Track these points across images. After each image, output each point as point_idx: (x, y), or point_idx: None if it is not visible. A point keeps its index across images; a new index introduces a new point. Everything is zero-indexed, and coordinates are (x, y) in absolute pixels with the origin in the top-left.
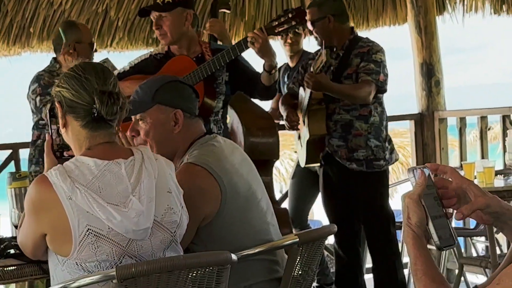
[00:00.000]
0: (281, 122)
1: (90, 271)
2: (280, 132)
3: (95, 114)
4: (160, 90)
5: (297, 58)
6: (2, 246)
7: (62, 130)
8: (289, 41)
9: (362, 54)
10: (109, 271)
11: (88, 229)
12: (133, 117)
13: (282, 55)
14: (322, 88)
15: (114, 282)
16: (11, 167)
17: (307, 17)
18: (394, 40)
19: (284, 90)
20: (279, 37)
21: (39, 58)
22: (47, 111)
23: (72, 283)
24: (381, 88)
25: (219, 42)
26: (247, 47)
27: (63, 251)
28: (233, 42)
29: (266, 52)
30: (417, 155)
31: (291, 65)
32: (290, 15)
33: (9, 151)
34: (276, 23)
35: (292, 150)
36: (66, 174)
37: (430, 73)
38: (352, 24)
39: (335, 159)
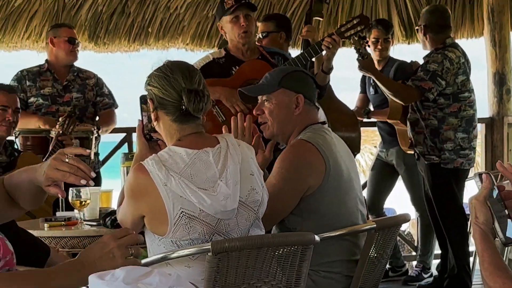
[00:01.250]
0: (364, 120)
1: (182, 247)
2: (362, 128)
3: (183, 110)
4: (286, 77)
5: (384, 63)
6: (112, 217)
7: (155, 123)
8: (379, 47)
9: (422, 64)
10: (204, 244)
11: (182, 211)
12: (259, 98)
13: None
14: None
15: (209, 255)
16: (125, 148)
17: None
18: (471, 52)
19: (370, 91)
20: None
21: (155, 54)
22: (139, 99)
23: (172, 254)
24: (426, 95)
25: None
26: (321, 50)
27: (160, 231)
28: None
29: (332, 56)
30: (486, 155)
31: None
32: (355, 21)
33: (123, 134)
34: (345, 28)
35: (372, 144)
36: (161, 163)
37: (502, 82)
38: (447, 38)
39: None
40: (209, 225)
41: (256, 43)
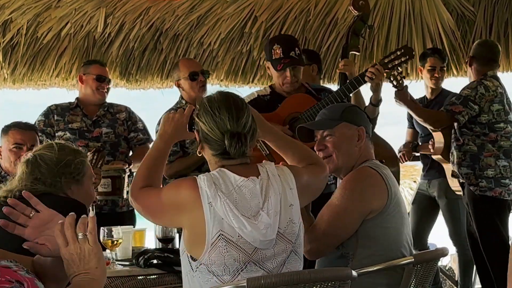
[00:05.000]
0: (417, 154)
1: (217, 275)
2: (401, 163)
3: (226, 150)
4: (346, 111)
5: (437, 93)
6: (146, 257)
7: (201, 151)
8: (436, 75)
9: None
10: (240, 281)
11: (221, 234)
12: (318, 134)
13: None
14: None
15: None
16: None
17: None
18: (506, 86)
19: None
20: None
21: None
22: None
23: None
24: (456, 117)
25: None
26: (365, 82)
27: (196, 251)
28: None
29: (378, 87)
30: None
31: (428, 97)
32: (399, 52)
33: None
34: (388, 59)
35: (411, 179)
36: (212, 180)
37: None
38: (490, 71)
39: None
40: (245, 253)
41: (292, 88)
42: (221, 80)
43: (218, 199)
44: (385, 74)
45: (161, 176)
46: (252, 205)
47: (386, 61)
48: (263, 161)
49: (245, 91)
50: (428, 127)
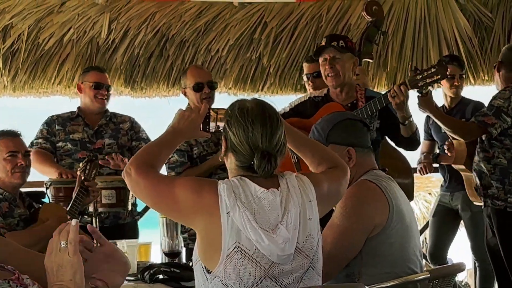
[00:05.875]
0: (435, 164)
1: None
2: (415, 175)
3: (252, 166)
4: (333, 131)
5: (456, 101)
6: (151, 272)
7: (223, 156)
8: (456, 83)
9: (489, 101)
10: None
11: (237, 246)
12: None
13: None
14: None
15: None
16: None
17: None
18: None
19: (435, 130)
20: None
21: None
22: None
23: None
24: (489, 129)
25: None
26: (386, 102)
27: (211, 262)
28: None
29: (401, 107)
30: None
31: (447, 106)
32: (432, 70)
33: None
34: (420, 77)
35: (426, 191)
36: (232, 188)
37: None
38: None
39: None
40: (262, 267)
41: (334, 82)
42: (230, 88)
43: (237, 209)
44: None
45: (161, 166)
46: (271, 217)
47: (417, 79)
48: (284, 172)
49: (285, 100)
50: (457, 138)
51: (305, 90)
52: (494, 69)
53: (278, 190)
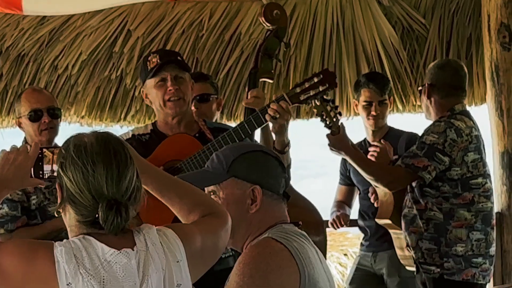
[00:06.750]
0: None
1: None
2: (328, 229)
3: (97, 220)
4: (238, 161)
5: (381, 135)
6: None
7: (62, 213)
8: (373, 113)
9: (420, 136)
10: None
11: None
12: (206, 189)
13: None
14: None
15: None
16: None
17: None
18: None
19: (354, 174)
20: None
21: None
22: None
23: None
24: (421, 174)
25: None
26: (266, 121)
27: None
28: None
29: (282, 130)
30: (495, 264)
31: (370, 140)
32: (316, 79)
33: None
34: (300, 89)
35: (341, 252)
36: (72, 252)
37: None
38: (457, 104)
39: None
40: None
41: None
42: (82, 117)
43: (79, 278)
44: (315, 110)
45: None
46: (125, 287)
47: (297, 92)
48: (142, 225)
49: (115, 131)
50: (381, 187)
51: None
52: (421, 94)
53: (133, 250)
